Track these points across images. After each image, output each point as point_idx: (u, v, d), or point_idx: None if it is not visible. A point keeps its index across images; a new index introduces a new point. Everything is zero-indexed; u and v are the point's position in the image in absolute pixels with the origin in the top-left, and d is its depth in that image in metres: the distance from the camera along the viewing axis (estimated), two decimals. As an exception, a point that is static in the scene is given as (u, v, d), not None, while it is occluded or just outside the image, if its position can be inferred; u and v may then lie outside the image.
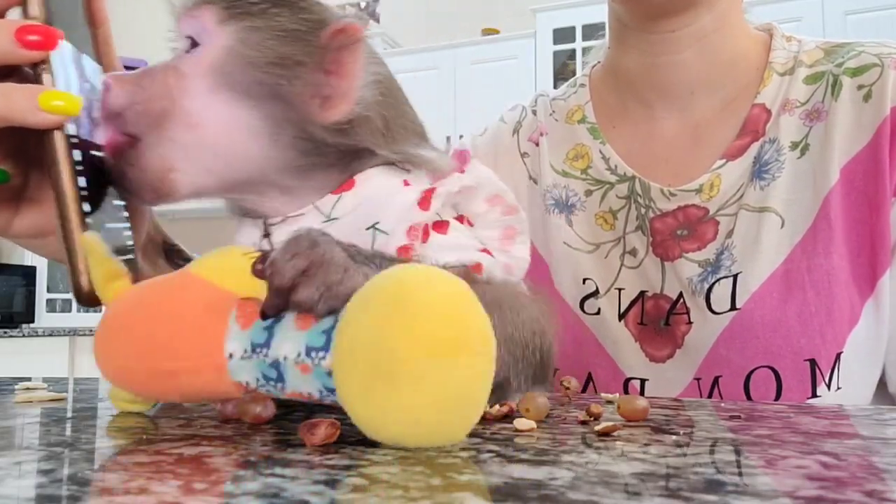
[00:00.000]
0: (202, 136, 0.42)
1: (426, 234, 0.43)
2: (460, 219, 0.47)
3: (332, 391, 0.31)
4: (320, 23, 0.44)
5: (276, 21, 0.43)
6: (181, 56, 0.44)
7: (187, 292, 0.36)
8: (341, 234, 0.39)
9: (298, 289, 0.32)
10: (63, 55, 0.40)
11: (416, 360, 0.27)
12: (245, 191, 0.45)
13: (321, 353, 0.31)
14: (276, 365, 0.32)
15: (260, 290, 0.34)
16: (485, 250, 0.46)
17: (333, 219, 0.44)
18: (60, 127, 0.38)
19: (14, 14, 0.39)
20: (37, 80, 0.38)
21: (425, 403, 0.28)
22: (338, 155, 0.45)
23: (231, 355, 0.34)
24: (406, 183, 0.45)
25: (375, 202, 0.44)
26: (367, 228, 0.43)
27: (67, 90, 0.39)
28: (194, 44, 0.44)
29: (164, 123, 0.42)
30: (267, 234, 0.46)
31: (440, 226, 0.45)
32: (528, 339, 0.41)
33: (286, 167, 0.44)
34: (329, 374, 0.31)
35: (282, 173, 0.44)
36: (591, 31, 3.08)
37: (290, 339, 0.32)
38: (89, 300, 0.38)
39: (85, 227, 0.38)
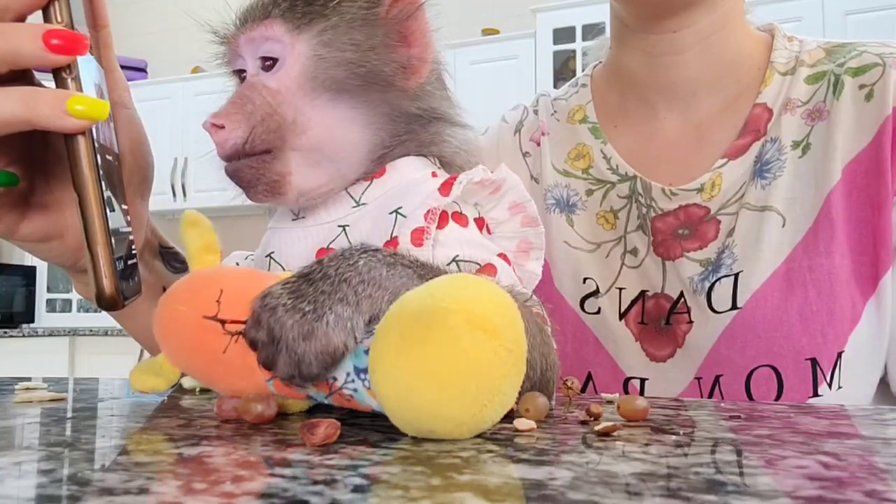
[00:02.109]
0: (312, 139, 0.44)
1: (444, 220, 0.44)
2: (480, 222, 0.47)
3: (359, 373, 0.33)
4: (377, 1, 0.45)
5: (346, 14, 0.45)
6: (261, 75, 0.45)
7: (264, 277, 0.39)
8: (368, 217, 0.44)
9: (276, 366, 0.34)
10: (86, 59, 0.40)
11: (457, 322, 0.29)
12: (335, 185, 0.46)
13: (366, 335, 0.33)
14: None
15: None
16: (503, 255, 0.46)
17: (362, 204, 0.46)
18: (85, 132, 0.38)
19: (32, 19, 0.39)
20: (60, 84, 0.38)
21: (449, 366, 0.29)
22: (409, 133, 0.47)
23: None
24: (434, 174, 0.47)
25: (402, 189, 0.45)
26: (391, 213, 0.44)
27: (92, 94, 0.39)
28: (267, 60, 0.45)
29: (284, 136, 0.44)
30: (298, 217, 0.48)
31: (460, 218, 0.45)
32: (536, 359, 0.40)
33: (373, 150, 0.46)
34: (366, 352, 0.32)
35: (368, 159, 0.46)
36: (591, 31, 3.07)
37: None
38: (111, 303, 0.38)
39: (108, 230, 0.38)
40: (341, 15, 0.45)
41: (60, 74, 0.38)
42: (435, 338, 0.29)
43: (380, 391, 0.30)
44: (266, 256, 0.48)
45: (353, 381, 0.33)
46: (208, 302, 0.37)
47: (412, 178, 0.46)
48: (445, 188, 0.44)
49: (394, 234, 0.43)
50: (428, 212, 0.43)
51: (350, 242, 0.44)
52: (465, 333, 0.29)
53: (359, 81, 0.45)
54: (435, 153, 0.48)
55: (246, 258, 0.53)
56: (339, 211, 0.46)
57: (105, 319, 3.47)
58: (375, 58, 0.45)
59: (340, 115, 0.45)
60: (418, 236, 0.42)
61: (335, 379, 0.33)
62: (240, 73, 0.49)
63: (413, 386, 0.29)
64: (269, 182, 0.44)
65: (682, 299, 0.63)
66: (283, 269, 0.46)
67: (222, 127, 0.44)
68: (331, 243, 0.45)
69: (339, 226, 0.46)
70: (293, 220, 0.48)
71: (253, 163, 0.44)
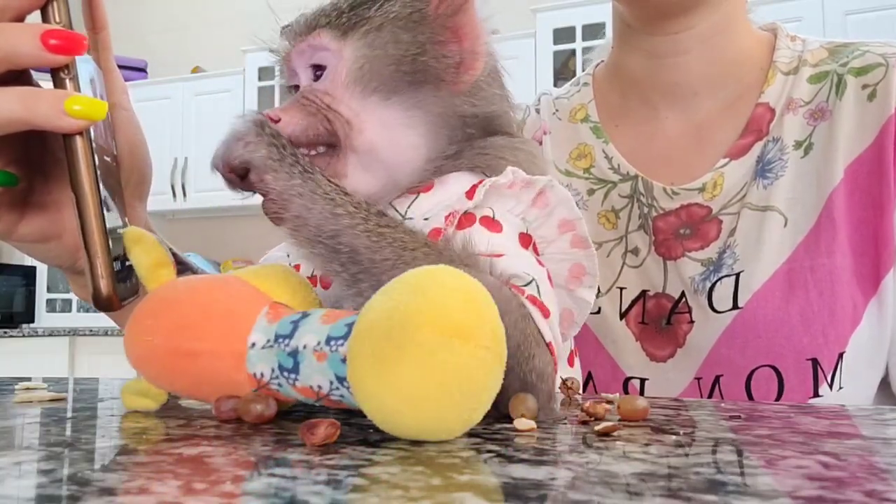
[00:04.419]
0: (368, 141, 0.44)
1: (469, 221, 0.43)
2: (527, 238, 0.45)
3: (342, 381, 0.32)
4: None
5: (390, 14, 0.44)
6: (312, 84, 0.45)
7: (226, 286, 0.38)
8: None
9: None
10: (84, 60, 0.40)
11: (427, 336, 0.28)
12: (387, 193, 0.45)
13: (340, 342, 0.32)
14: (294, 353, 0.34)
15: (293, 299, 0.38)
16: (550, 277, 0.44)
17: (408, 218, 0.45)
18: (83, 132, 0.38)
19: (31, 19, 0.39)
20: (59, 84, 0.38)
21: (430, 382, 0.28)
22: (468, 139, 0.46)
23: (253, 344, 0.35)
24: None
25: (446, 205, 0.44)
26: (434, 228, 0.43)
27: (90, 95, 0.39)
28: (318, 69, 0.45)
29: (342, 133, 0.44)
30: None
31: (490, 223, 0.44)
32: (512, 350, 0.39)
33: (432, 159, 0.45)
34: (343, 360, 0.31)
35: (424, 168, 0.45)
36: (591, 31, 3.07)
37: (314, 331, 0.34)
38: (108, 304, 0.38)
39: (105, 230, 0.38)
40: (385, 16, 0.44)
41: (59, 74, 0.38)
42: (409, 357, 0.28)
43: (365, 410, 0.30)
44: None
45: (337, 388, 0.33)
46: (173, 328, 0.37)
47: (456, 192, 0.44)
48: (471, 192, 0.43)
49: None
50: (449, 214, 0.42)
51: None
52: (439, 346, 0.28)
53: (407, 79, 0.44)
54: (487, 170, 0.46)
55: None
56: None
57: (105, 320, 3.46)
58: (422, 55, 0.44)
59: (394, 117, 0.44)
60: (434, 237, 0.42)
61: (320, 387, 0.33)
62: (297, 90, 0.48)
63: (397, 408, 0.28)
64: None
65: (684, 299, 0.63)
66: None
67: (278, 120, 0.43)
68: None
69: None
70: None
71: (309, 157, 0.44)
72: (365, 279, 0.39)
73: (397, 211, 0.45)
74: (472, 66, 0.45)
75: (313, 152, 0.44)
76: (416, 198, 0.45)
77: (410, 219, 0.45)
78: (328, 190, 0.40)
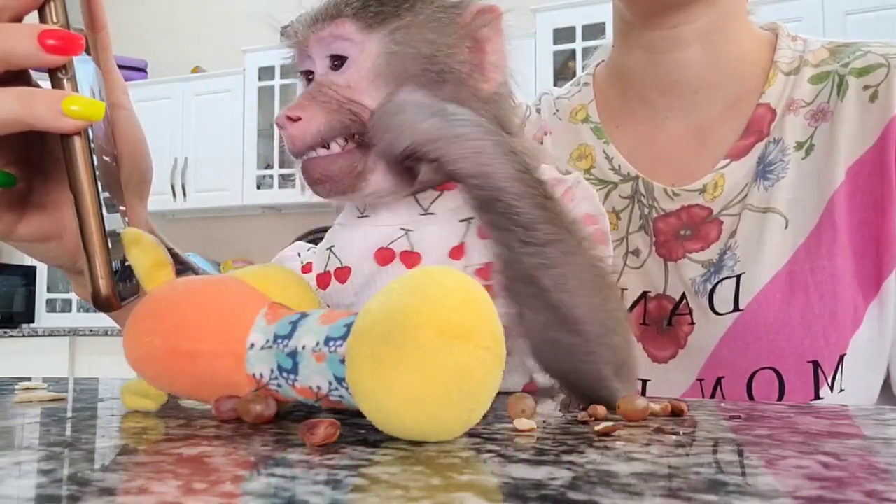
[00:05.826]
0: None
1: None
2: None
3: (341, 381, 0.32)
4: (457, 5, 0.46)
5: (420, 15, 0.45)
6: (329, 74, 0.45)
7: (225, 287, 0.38)
8: (434, 224, 0.44)
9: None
10: (83, 60, 0.40)
11: (427, 337, 0.28)
12: (402, 190, 0.45)
13: (339, 342, 0.32)
14: (293, 354, 0.34)
15: (292, 300, 0.38)
16: None
17: (430, 213, 0.45)
18: (81, 132, 0.38)
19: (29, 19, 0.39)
20: (56, 84, 0.38)
21: (429, 382, 0.28)
22: None
23: (252, 345, 0.35)
24: None
25: None
26: (461, 221, 0.44)
27: (87, 95, 0.39)
28: (336, 59, 0.45)
29: (366, 126, 0.43)
30: (363, 216, 0.48)
31: None
32: (618, 344, 0.41)
33: None
34: (342, 361, 0.31)
35: None
36: (591, 31, 3.07)
37: (313, 331, 0.34)
38: (107, 304, 0.38)
39: (104, 231, 0.38)
40: (415, 15, 0.45)
41: (56, 75, 0.38)
42: (409, 359, 0.28)
43: (364, 411, 0.30)
44: (327, 250, 0.48)
45: (336, 388, 0.33)
46: (172, 328, 0.37)
47: None
48: None
49: (463, 241, 0.43)
50: None
51: (411, 245, 0.44)
52: (439, 348, 0.28)
53: (432, 77, 0.44)
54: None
55: (308, 250, 0.53)
56: (404, 216, 0.46)
57: (105, 320, 3.45)
58: (449, 57, 0.44)
59: None
60: (483, 233, 0.42)
61: (319, 388, 0.33)
62: (307, 76, 0.48)
63: (396, 409, 0.28)
64: (353, 175, 0.44)
65: (685, 300, 0.63)
66: (342, 263, 0.46)
67: (298, 119, 0.43)
68: (391, 243, 0.45)
69: (402, 229, 0.45)
70: (358, 217, 0.48)
71: (335, 155, 0.44)
72: (533, 242, 0.38)
73: (419, 204, 0.46)
74: (492, 74, 0.46)
75: (338, 149, 0.44)
76: (440, 195, 0.46)
77: (433, 213, 0.45)
78: (512, 147, 0.40)
